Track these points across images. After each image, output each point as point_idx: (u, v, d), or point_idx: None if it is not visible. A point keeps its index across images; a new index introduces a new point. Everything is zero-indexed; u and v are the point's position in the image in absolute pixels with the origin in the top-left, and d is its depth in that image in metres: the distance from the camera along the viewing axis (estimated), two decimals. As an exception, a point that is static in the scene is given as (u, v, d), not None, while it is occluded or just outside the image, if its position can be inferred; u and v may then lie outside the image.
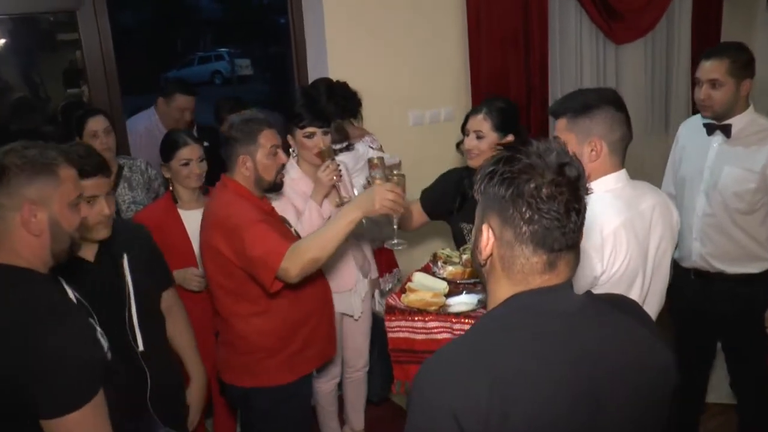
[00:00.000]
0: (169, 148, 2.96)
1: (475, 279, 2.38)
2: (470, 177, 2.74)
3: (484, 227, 1.30)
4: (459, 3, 4.08)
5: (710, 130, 2.91)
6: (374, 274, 3.27)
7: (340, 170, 2.85)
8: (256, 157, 2.47)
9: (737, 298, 2.86)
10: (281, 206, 2.80)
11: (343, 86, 3.47)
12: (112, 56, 3.48)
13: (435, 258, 2.51)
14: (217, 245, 2.40)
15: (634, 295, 1.95)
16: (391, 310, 2.27)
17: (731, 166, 2.85)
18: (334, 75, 3.67)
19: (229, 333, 2.55)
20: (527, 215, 1.23)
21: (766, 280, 2.91)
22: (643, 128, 4.85)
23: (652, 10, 4.76)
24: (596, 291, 1.82)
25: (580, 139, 1.98)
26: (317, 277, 2.59)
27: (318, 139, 2.88)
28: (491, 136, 2.67)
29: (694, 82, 2.93)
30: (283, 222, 2.65)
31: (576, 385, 1.22)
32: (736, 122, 2.84)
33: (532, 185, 1.22)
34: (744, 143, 2.84)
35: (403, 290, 2.36)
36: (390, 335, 2.27)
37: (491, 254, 1.30)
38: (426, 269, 2.54)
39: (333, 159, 2.87)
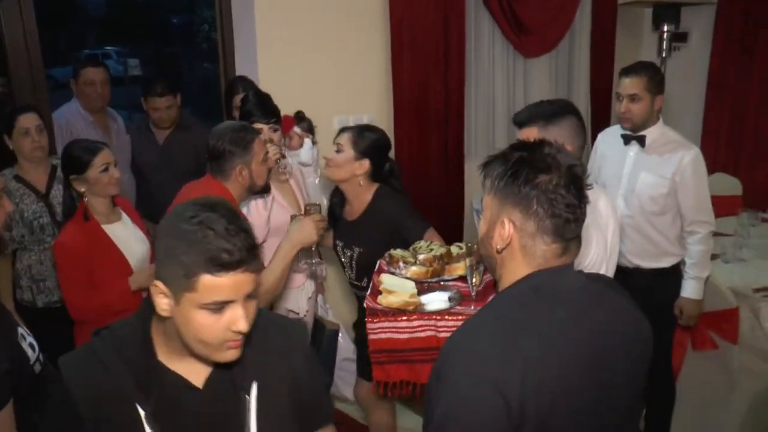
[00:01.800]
0: (84, 156, 2.69)
1: (438, 278, 2.48)
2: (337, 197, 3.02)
3: (505, 220, 1.45)
4: (384, 15, 4.24)
5: (627, 140, 3.21)
6: (322, 274, 3.27)
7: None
8: (251, 166, 2.56)
9: (651, 290, 3.14)
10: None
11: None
12: (38, 49, 3.36)
13: (392, 259, 2.55)
14: None
15: None
16: (373, 312, 2.28)
17: (646, 173, 3.15)
18: (264, 77, 3.72)
19: None
20: (549, 210, 1.40)
21: (675, 273, 3.23)
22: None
23: (558, 26, 5.06)
24: None
25: None
26: None
27: (265, 134, 2.91)
28: (349, 153, 2.82)
29: (615, 97, 3.23)
30: None
31: (591, 356, 1.39)
32: (650, 133, 3.16)
33: (553, 183, 1.40)
34: (657, 152, 3.15)
35: (375, 292, 2.39)
36: (371, 337, 2.29)
37: (509, 243, 1.45)
38: (380, 270, 2.58)
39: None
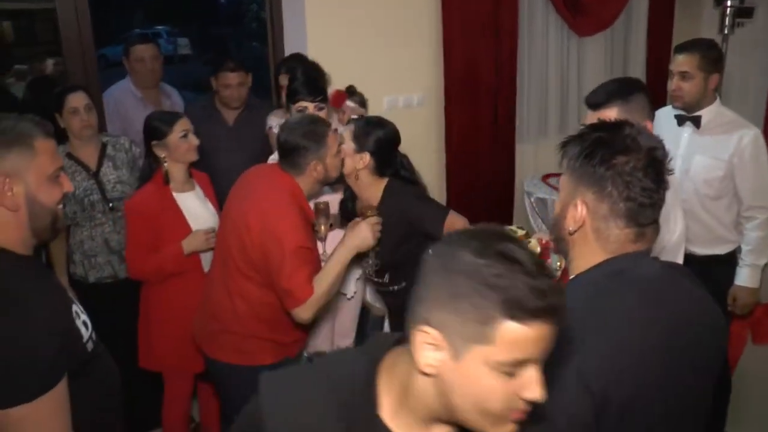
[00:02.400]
0: (165, 122, 2.84)
1: None
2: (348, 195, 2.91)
3: (578, 201, 1.39)
4: (435, -9, 4.15)
5: (681, 121, 3.08)
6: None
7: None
8: (326, 160, 2.50)
9: (705, 277, 3.02)
10: None
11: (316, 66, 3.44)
12: (89, 29, 3.37)
13: None
14: (249, 235, 2.39)
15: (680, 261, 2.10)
16: None
17: (701, 155, 3.02)
18: (313, 56, 3.67)
19: (224, 308, 2.53)
20: (624, 193, 1.34)
21: (731, 261, 3.10)
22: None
23: (613, 5, 4.91)
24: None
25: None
26: None
27: (326, 114, 2.87)
28: (348, 145, 2.68)
29: (668, 75, 3.09)
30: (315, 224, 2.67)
31: (669, 346, 1.33)
32: (705, 114, 3.02)
33: (631, 165, 1.33)
34: (712, 133, 3.01)
35: None
36: None
37: (582, 226, 1.40)
38: None
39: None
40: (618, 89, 2.13)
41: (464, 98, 4.31)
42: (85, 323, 1.66)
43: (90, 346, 1.65)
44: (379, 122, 2.77)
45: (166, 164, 2.85)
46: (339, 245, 2.47)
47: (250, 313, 2.49)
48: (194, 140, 2.88)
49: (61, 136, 3.12)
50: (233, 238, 2.46)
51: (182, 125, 2.85)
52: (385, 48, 4.09)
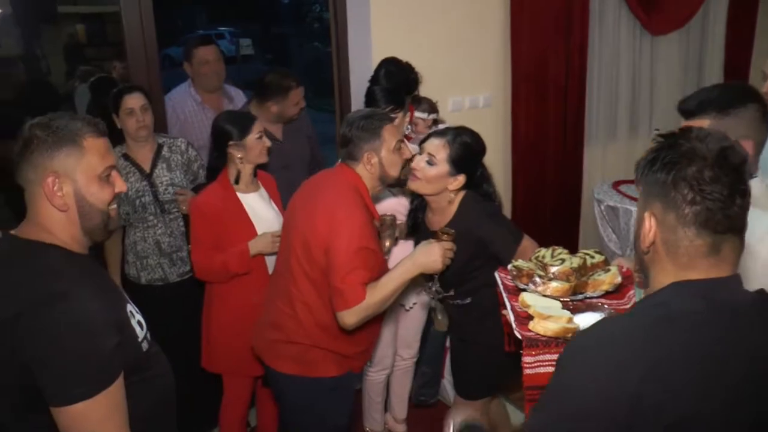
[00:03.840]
0: (243, 123, 2.84)
1: (582, 295, 2.09)
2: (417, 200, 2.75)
3: (647, 215, 1.29)
4: (503, -11, 4.02)
5: None
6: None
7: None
8: (381, 153, 2.40)
9: None
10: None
11: (407, 67, 3.36)
12: (152, 30, 3.34)
13: (519, 273, 2.12)
14: (314, 235, 2.32)
15: None
16: (532, 343, 1.87)
17: None
18: (377, 58, 3.58)
19: (285, 316, 2.45)
20: (689, 197, 1.22)
21: None
22: (678, 122, 4.81)
23: (690, 3, 4.70)
24: None
25: None
26: None
27: (399, 121, 2.77)
28: (442, 167, 2.51)
29: (761, 77, 2.87)
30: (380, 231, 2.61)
31: (741, 388, 1.18)
32: None
33: (694, 168, 1.22)
34: None
35: (520, 319, 1.97)
36: (528, 372, 1.89)
37: (654, 241, 1.28)
38: (507, 287, 2.16)
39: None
40: (717, 98, 1.87)
41: (532, 99, 4.16)
42: (140, 323, 1.67)
43: (145, 345, 1.66)
44: (466, 131, 2.62)
45: (241, 165, 2.84)
46: (406, 259, 2.36)
47: (312, 321, 2.41)
48: (267, 142, 2.88)
49: (119, 137, 3.12)
50: (298, 240, 2.39)
51: (258, 127, 2.86)
52: (451, 47, 3.97)
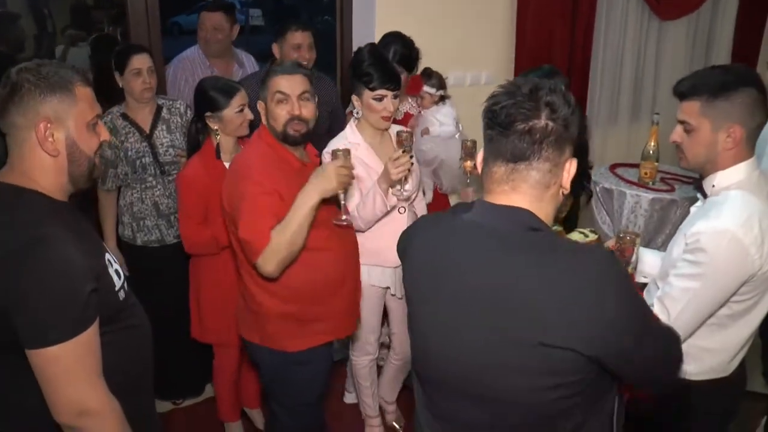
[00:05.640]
0: (222, 95, 2.75)
1: None
2: None
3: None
4: (511, -35, 3.99)
5: None
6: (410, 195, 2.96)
7: (412, 164, 2.58)
8: (267, 103, 2.35)
9: None
10: None
11: (410, 42, 3.29)
12: (155, -7, 3.34)
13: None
14: (224, 196, 2.33)
15: None
16: None
17: None
18: (380, 29, 3.57)
19: (242, 284, 2.45)
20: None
21: None
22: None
23: (702, -12, 4.66)
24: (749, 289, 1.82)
25: (716, 125, 1.81)
26: (340, 245, 2.43)
27: (387, 102, 2.66)
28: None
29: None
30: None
31: None
32: None
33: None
34: None
35: None
36: None
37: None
38: None
39: (409, 151, 2.56)
40: (711, 81, 1.83)
41: (534, 80, 4.13)
42: (117, 272, 1.67)
43: (122, 295, 1.66)
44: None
45: (218, 137, 2.79)
46: (303, 187, 2.25)
47: (252, 282, 2.36)
48: (249, 115, 2.81)
49: (117, 96, 3.12)
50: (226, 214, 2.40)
51: (240, 99, 2.78)
52: (455, 21, 3.95)
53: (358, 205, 2.66)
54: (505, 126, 1.32)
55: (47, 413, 1.49)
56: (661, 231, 3.45)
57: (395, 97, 2.69)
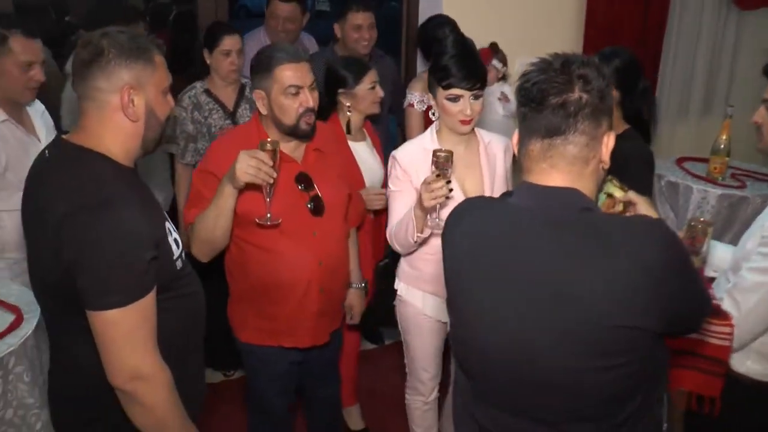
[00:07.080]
0: (356, 72, 2.77)
1: None
2: None
3: None
4: (582, -52, 3.90)
5: None
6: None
7: (450, 190, 2.11)
8: (272, 94, 2.19)
9: None
10: (400, 182, 2.38)
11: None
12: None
13: None
14: None
15: None
16: None
17: None
18: (448, 8, 3.55)
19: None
20: None
21: None
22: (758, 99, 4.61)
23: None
24: None
25: None
26: (293, 248, 2.24)
27: (465, 103, 2.24)
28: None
29: None
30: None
31: None
32: None
33: None
34: None
35: None
36: None
37: None
38: None
39: (447, 176, 2.09)
40: None
41: (601, 67, 4.04)
42: (176, 241, 1.69)
43: (179, 264, 1.68)
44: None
45: (350, 113, 2.80)
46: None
47: (231, 263, 2.35)
48: (380, 92, 2.83)
49: (200, 72, 3.19)
50: None
51: (372, 76, 2.80)
52: (523, 6, 3.90)
53: (393, 227, 2.39)
54: (538, 101, 1.30)
55: (103, 375, 1.52)
56: (729, 229, 3.31)
57: (476, 98, 2.26)
